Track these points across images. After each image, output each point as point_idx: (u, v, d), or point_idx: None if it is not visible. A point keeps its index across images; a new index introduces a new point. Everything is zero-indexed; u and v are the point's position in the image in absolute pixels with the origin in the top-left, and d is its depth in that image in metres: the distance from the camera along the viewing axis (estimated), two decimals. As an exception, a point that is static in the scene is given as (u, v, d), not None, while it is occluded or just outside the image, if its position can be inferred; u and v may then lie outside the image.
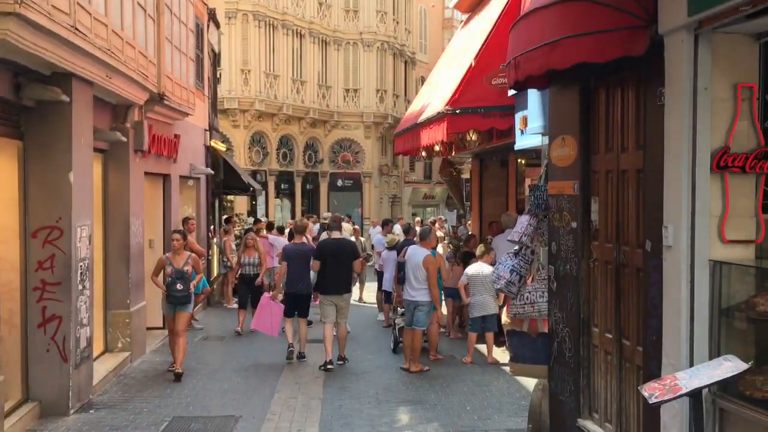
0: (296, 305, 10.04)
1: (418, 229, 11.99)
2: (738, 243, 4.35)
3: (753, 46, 4.33)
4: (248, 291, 12.33)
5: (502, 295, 9.30)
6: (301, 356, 9.92)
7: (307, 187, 31.65)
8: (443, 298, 10.87)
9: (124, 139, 9.21)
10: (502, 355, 9.79)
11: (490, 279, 9.37)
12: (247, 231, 16.40)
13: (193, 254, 9.41)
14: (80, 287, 7.50)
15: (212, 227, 15.95)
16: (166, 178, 11.94)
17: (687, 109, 4.27)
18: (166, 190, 12.00)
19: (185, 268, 8.82)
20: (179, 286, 8.71)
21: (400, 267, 9.96)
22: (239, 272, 12.82)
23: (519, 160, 12.53)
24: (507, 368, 9.00)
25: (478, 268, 9.97)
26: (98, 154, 9.03)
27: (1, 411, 6.28)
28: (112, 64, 7.81)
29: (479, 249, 10.52)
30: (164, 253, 9.66)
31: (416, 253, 9.43)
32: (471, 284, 9.99)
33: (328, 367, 9.41)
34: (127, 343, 9.47)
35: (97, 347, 8.85)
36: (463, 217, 19.76)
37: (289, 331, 10.05)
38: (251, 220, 20.27)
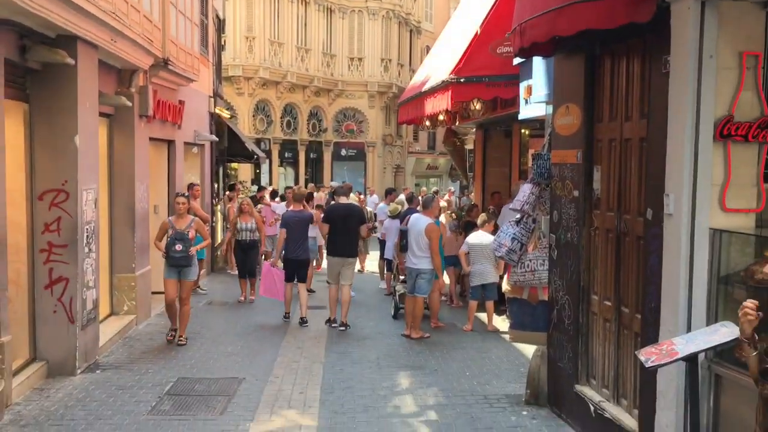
0: (295, 270, 10.24)
1: (421, 198, 12.02)
2: (738, 212, 4.40)
3: (759, 14, 4.32)
4: (245, 258, 11.96)
5: (502, 264, 9.37)
6: (303, 321, 10.07)
7: (311, 156, 31.63)
8: (445, 266, 10.91)
9: (129, 103, 9.22)
10: (502, 323, 9.90)
11: (490, 248, 9.44)
12: (251, 200, 16.52)
13: (198, 218, 9.41)
14: (86, 250, 7.58)
15: (216, 194, 16.00)
16: (170, 144, 11.96)
17: (692, 77, 4.29)
18: (171, 156, 12.03)
19: (187, 231, 8.77)
20: (178, 247, 8.61)
21: (403, 235, 9.99)
22: (235, 238, 12.21)
23: (523, 131, 12.52)
24: (506, 336, 9.12)
25: (478, 237, 10.02)
26: (103, 118, 9.04)
27: (9, 370, 6.39)
28: (116, 27, 7.80)
29: (480, 218, 10.56)
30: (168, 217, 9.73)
31: (419, 222, 9.48)
32: (471, 253, 10.05)
33: (332, 325, 9.88)
34: (132, 307, 9.57)
35: (103, 310, 8.96)
36: (466, 188, 19.74)
37: (288, 295, 10.30)
38: (255, 187, 20.31)
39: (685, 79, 4.33)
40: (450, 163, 30.26)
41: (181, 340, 8.84)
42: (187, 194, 9.50)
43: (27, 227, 7.21)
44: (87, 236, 7.61)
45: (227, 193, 16.32)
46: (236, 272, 12.81)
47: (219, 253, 15.42)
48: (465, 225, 11.66)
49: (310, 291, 11.20)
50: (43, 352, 7.28)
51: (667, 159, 4.54)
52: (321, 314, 10.51)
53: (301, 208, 10.62)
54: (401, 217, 11.31)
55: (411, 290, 9.52)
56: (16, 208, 7.00)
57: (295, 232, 10.12)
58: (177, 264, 8.73)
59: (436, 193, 17.36)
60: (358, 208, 10.83)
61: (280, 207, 14.76)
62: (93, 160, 7.89)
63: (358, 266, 13.73)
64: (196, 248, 8.95)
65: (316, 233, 11.93)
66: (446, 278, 12.45)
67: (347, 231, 9.89)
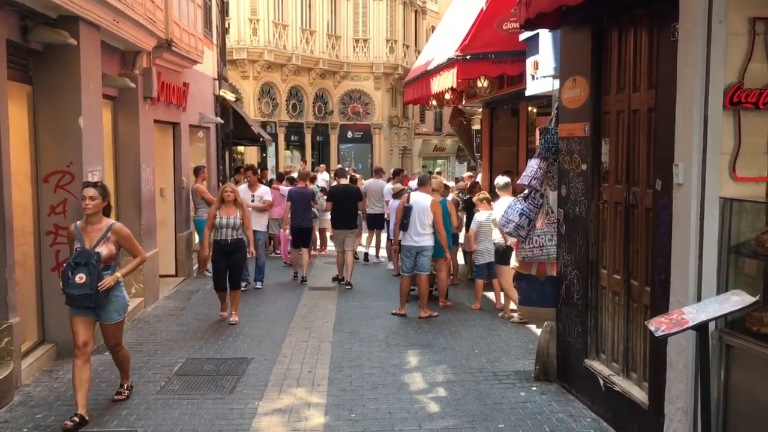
0: (300, 237, 12.08)
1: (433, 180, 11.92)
2: (749, 180, 4.33)
3: (770, -21, 4.23)
4: (226, 265, 9.08)
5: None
6: (304, 280, 11.89)
7: (317, 138, 31.60)
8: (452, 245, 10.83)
9: (132, 85, 9.18)
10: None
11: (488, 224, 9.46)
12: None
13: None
14: (92, 231, 7.57)
15: (224, 177, 15.97)
16: (175, 126, 11.93)
17: (701, 43, 4.21)
18: (176, 138, 12.00)
19: (99, 247, 5.68)
20: (79, 278, 5.54)
21: (406, 213, 9.54)
22: (212, 237, 9.22)
23: (530, 108, 12.40)
24: (515, 314, 9.09)
25: (485, 216, 9.93)
26: (107, 100, 9.01)
27: (18, 351, 6.42)
28: (119, 7, 7.74)
29: (477, 196, 10.46)
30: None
31: (421, 199, 9.43)
32: (478, 231, 9.99)
33: (341, 282, 11.64)
34: (140, 289, 9.58)
35: (111, 292, 8.95)
36: (474, 169, 19.64)
37: (294, 258, 12.34)
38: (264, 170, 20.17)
39: (694, 46, 4.24)
40: (457, 144, 30.12)
41: (120, 395, 6.17)
42: (98, 183, 5.98)
43: (33, 210, 7.21)
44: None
45: (233, 176, 16.30)
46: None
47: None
48: (466, 204, 11.63)
49: (303, 280, 11.94)
50: (52, 334, 7.30)
51: (676, 128, 4.48)
52: (328, 294, 10.63)
53: (305, 185, 12.58)
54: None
55: (410, 269, 9.48)
56: (21, 191, 7.00)
57: (299, 205, 11.91)
58: (78, 305, 5.63)
59: (439, 173, 17.31)
60: (356, 188, 12.58)
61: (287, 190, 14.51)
62: (97, 141, 7.86)
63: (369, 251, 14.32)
64: (112, 280, 5.67)
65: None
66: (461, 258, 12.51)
67: (348, 207, 11.66)
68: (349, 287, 11.36)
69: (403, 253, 9.60)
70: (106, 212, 5.90)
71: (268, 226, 12.41)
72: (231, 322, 8.91)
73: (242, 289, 9.85)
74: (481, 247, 9.94)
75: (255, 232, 10.45)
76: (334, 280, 11.89)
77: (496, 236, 9.39)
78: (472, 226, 10.19)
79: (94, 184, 5.85)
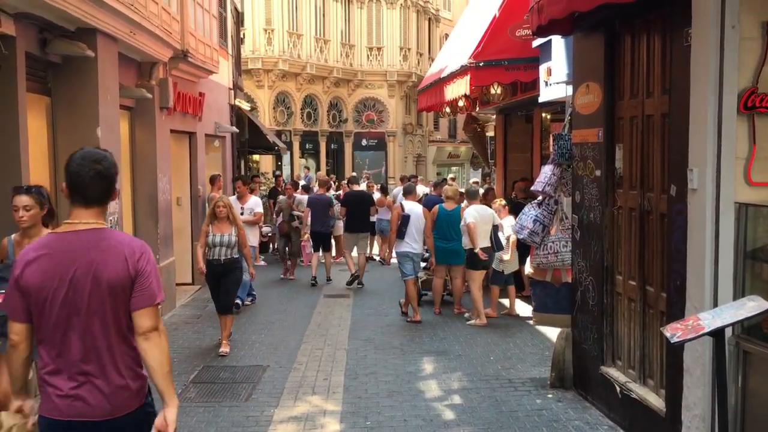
0: (319, 241, 12.59)
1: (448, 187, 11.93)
2: (764, 185, 4.30)
3: (783, -18, 4.22)
4: (217, 286, 8.09)
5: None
6: (329, 280, 12.61)
7: (332, 146, 31.71)
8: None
9: (149, 96, 9.28)
10: (523, 308, 9.85)
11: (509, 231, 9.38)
12: (271, 191, 16.54)
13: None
14: (110, 241, 7.64)
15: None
16: (192, 136, 12.03)
17: (714, 48, 4.20)
18: (193, 148, 12.10)
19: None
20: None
21: (404, 221, 9.69)
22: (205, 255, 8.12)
23: (544, 115, 12.39)
24: (531, 320, 9.06)
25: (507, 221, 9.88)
26: (124, 111, 9.11)
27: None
28: (135, 19, 7.85)
29: (495, 204, 10.38)
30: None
31: (415, 207, 9.86)
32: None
33: (355, 279, 12.17)
34: (157, 297, 9.64)
35: (129, 301, 9.02)
36: (488, 175, 19.61)
37: (314, 263, 12.57)
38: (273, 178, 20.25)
39: (707, 50, 4.24)
40: (471, 151, 30.09)
41: None
42: (32, 189, 4.76)
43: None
44: (110, 227, 7.65)
45: (249, 184, 16.36)
46: (260, 262, 12.83)
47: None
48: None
49: (328, 280, 12.70)
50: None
51: (690, 133, 4.46)
52: (343, 302, 10.67)
53: (323, 192, 13.11)
54: (423, 203, 11.29)
55: (412, 271, 9.65)
56: (40, 201, 7.07)
57: (318, 211, 12.42)
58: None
59: (453, 179, 17.43)
60: (368, 195, 13.55)
61: (305, 198, 14.54)
62: (115, 152, 7.93)
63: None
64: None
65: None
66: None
67: (361, 212, 12.46)
68: (361, 285, 12.18)
69: (402, 259, 9.76)
70: (48, 220, 4.77)
71: (270, 238, 12.58)
72: (221, 353, 7.82)
73: (236, 311, 9.28)
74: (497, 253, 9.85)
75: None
76: (349, 284, 12.29)
77: (465, 241, 9.51)
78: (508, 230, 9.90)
79: (27, 190, 4.68)
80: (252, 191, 13.95)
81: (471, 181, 23.30)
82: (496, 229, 9.50)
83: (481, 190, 11.31)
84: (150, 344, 2.98)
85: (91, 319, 2.91)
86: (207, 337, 8.72)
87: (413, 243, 9.62)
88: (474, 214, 9.41)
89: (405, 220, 9.65)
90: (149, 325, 2.98)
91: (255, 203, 11.07)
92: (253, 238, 10.63)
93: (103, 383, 2.93)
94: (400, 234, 9.67)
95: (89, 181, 2.96)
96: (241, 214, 10.06)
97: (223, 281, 8.05)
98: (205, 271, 8.13)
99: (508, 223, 9.76)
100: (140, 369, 3.07)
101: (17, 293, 2.91)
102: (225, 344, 8.01)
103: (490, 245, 9.45)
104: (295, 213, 13.13)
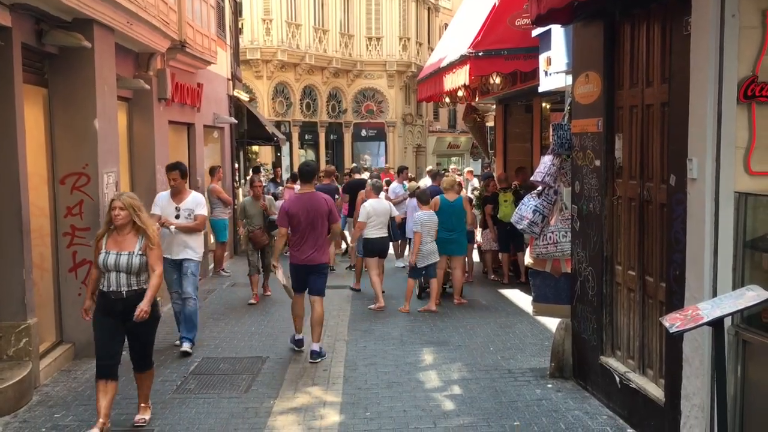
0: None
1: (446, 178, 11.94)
2: (764, 174, 4.28)
3: (783, -30, 4.19)
4: (118, 332, 5.50)
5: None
6: (332, 269, 11.89)
7: (331, 137, 31.66)
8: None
9: (147, 87, 9.24)
10: (519, 297, 9.85)
11: (431, 224, 9.63)
12: (270, 182, 16.53)
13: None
14: (109, 233, 7.61)
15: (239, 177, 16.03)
16: (190, 127, 12.00)
17: (714, 37, 4.18)
18: (191, 139, 12.07)
19: None
20: None
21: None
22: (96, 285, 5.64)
23: (543, 104, 12.36)
24: (530, 310, 9.05)
25: (427, 215, 9.78)
26: (122, 102, 9.07)
27: (36, 352, 6.49)
28: (132, 10, 7.79)
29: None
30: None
31: (377, 205, 10.22)
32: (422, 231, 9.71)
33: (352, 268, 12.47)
34: (156, 289, 9.61)
35: (128, 292, 8.99)
36: (488, 166, 19.59)
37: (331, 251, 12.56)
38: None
39: (707, 39, 4.21)
40: (471, 140, 30.05)
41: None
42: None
43: (50, 211, 7.28)
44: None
45: (249, 177, 16.33)
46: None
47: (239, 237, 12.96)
48: (484, 199, 11.64)
49: (331, 269, 12.14)
50: (70, 334, 7.37)
51: (689, 123, 4.44)
52: (342, 293, 10.75)
53: (330, 181, 13.12)
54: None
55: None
56: (38, 193, 7.07)
57: None
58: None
59: (447, 171, 17.64)
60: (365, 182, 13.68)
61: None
62: (113, 143, 7.92)
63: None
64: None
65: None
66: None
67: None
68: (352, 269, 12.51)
69: (359, 244, 10.65)
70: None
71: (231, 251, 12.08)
72: (136, 423, 5.63)
73: (189, 352, 7.55)
74: (426, 248, 9.67)
75: (183, 262, 7.62)
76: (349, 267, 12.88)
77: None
78: (414, 227, 9.81)
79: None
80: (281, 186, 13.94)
81: (465, 170, 23.28)
82: (393, 220, 10.37)
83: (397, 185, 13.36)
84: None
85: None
86: (206, 328, 8.71)
87: (374, 230, 10.13)
88: (369, 210, 10.07)
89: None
90: None
91: (195, 202, 7.80)
92: (197, 249, 7.79)
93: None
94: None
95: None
96: (177, 217, 7.62)
97: (129, 325, 5.40)
98: (89, 314, 5.62)
99: (424, 217, 9.72)
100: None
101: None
102: (144, 408, 5.76)
103: (387, 235, 10.36)
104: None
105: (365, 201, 10.61)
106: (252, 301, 10.26)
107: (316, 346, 7.41)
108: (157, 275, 5.48)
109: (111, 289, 5.39)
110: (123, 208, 5.45)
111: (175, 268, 7.67)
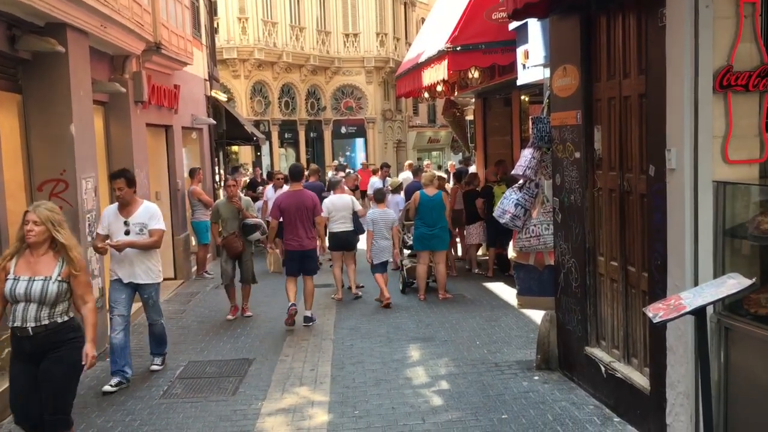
0: None
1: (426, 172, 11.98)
2: (741, 163, 4.34)
3: (755, -40, 4.23)
4: (32, 380, 4.49)
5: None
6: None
7: (311, 135, 31.55)
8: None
9: (123, 90, 9.15)
10: (504, 290, 9.90)
11: (391, 220, 9.93)
12: (250, 183, 16.44)
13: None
14: (89, 239, 7.56)
15: (219, 178, 15.94)
16: (168, 129, 11.90)
17: (688, 28, 4.21)
18: (170, 141, 11.97)
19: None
20: None
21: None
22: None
23: (522, 97, 12.40)
24: (515, 303, 9.10)
25: (378, 213, 10.13)
26: (98, 106, 8.99)
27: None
28: (106, 12, 7.71)
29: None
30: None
31: (337, 200, 10.36)
32: (374, 230, 10.00)
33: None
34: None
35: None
36: (468, 159, 19.64)
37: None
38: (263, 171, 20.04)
39: (682, 30, 4.25)
40: (451, 135, 30.12)
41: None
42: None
43: (28, 219, 7.17)
44: (89, 225, 7.59)
45: (228, 179, 16.21)
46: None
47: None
48: (465, 195, 11.65)
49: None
50: None
51: (667, 113, 4.48)
52: (328, 291, 10.66)
53: (315, 179, 13.27)
54: (407, 190, 11.34)
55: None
56: (15, 200, 6.97)
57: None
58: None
59: (427, 166, 17.78)
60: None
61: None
62: (90, 148, 7.84)
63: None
64: None
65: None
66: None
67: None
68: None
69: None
70: None
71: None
72: None
73: (113, 389, 6.46)
74: (379, 245, 9.91)
75: (143, 286, 6.88)
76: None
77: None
78: (366, 225, 10.15)
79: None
80: (276, 187, 13.16)
81: (449, 163, 23.33)
82: (356, 214, 10.36)
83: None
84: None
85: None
86: (191, 332, 8.68)
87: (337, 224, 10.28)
88: (328, 205, 10.23)
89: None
90: None
91: (149, 214, 6.82)
92: (154, 269, 6.99)
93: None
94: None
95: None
96: (126, 233, 6.70)
97: (44, 368, 4.43)
98: None
99: (375, 215, 10.09)
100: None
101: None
102: None
103: (352, 228, 10.33)
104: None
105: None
106: (230, 316, 9.27)
107: (308, 313, 8.87)
108: (91, 309, 4.52)
109: (16, 325, 4.40)
110: (38, 222, 4.44)
111: (125, 287, 6.81)
